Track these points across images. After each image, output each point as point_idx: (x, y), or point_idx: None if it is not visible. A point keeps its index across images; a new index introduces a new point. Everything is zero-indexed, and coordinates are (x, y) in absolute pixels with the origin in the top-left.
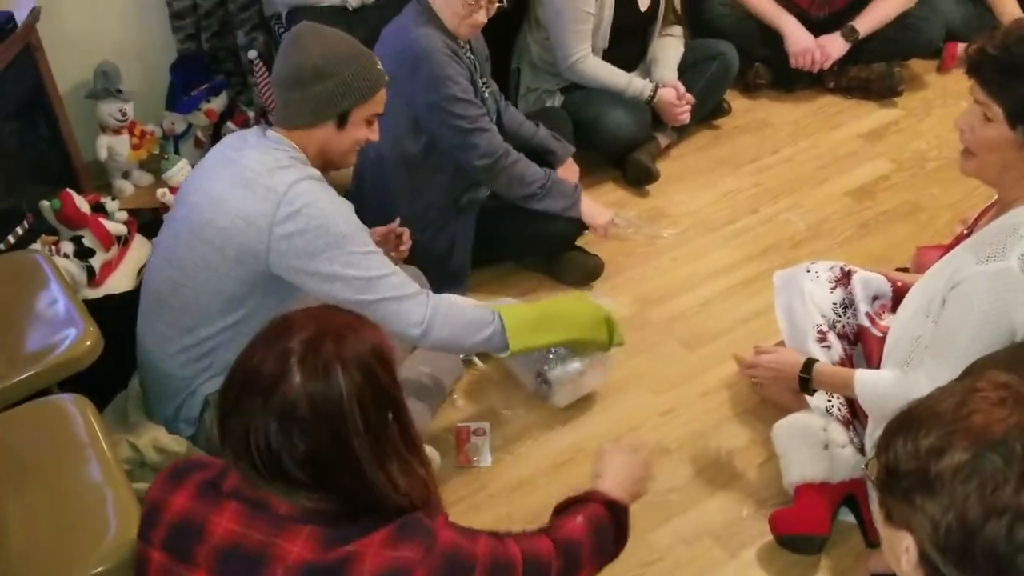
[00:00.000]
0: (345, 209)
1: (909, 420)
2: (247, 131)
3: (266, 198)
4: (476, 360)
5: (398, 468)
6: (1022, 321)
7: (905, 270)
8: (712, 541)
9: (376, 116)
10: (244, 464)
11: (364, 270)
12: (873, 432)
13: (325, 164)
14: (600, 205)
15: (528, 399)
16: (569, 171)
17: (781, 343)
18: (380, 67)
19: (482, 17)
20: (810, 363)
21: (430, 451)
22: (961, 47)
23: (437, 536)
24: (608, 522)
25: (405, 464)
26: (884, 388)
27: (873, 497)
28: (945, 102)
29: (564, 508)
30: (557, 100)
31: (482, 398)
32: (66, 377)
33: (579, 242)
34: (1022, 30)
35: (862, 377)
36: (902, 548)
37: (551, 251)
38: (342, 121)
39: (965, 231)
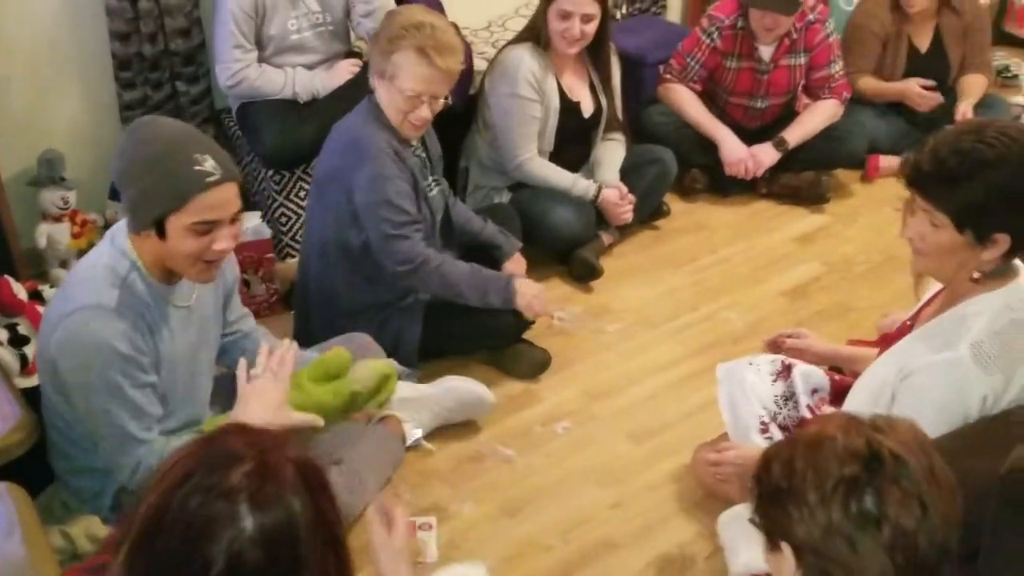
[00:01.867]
0: (105, 352)
1: (771, 448)
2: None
3: (48, 319)
4: (424, 443)
5: None
6: (976, 408)
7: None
8: None
9: (214, 224)
10: None
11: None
12: None
13: (173, 274)
14: (528, 281)
15: (476, 492)
16: (517, 265)
17: (724, 436)
18: (205, 168)
19: (425, 113)
20: None
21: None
22: (883, 159)
23: None
24: None
25: None
26: None
27: None
28: (870, 210)
29: None
30: (505, 197)
31: (428, 492)
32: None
33: (526, 335)
34: (951, 141)
35: None
36: (785, 570)
37: (498, 345)
38: (160, 231)
39: (908, 322)
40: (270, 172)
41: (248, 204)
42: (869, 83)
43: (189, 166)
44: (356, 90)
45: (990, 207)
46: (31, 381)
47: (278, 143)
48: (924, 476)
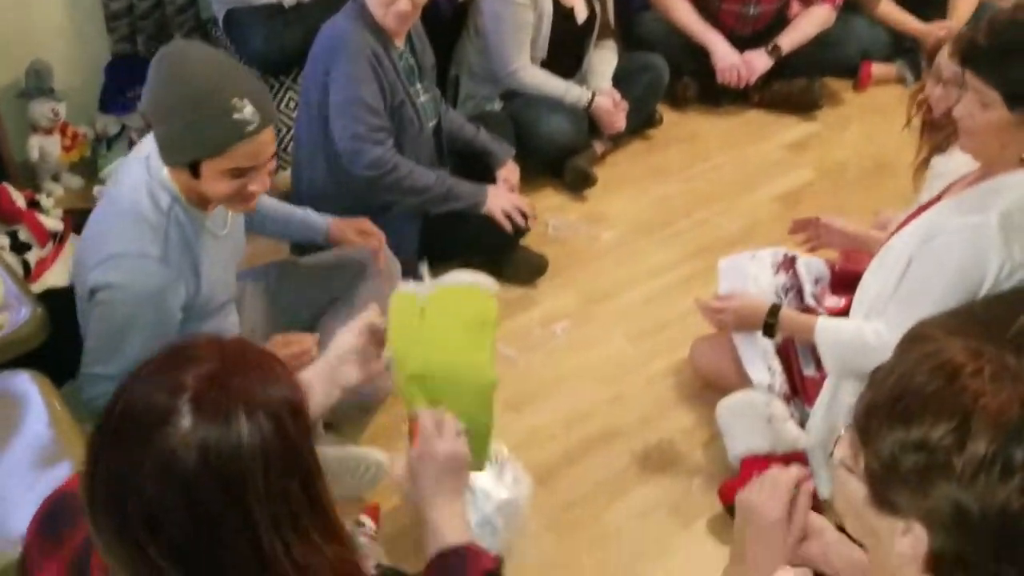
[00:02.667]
0: (136, 307)
1: (897, 408)
2: (148, 145)
3: (95, 250)
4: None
5: (302, 551)
6: (992, 274)
7: None
8: (665, 514)
9: (252, 170)
10: (108, 538)
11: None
12: (829, 401)
13: (208, 201)
14: (506, 193)
15: None
16: (510, 172)
17: (722, 331)
18: (244, 115)
19: (404, 5)
20: (776, 308)
21: (377, 455)
22: (876, 66)
23: None
24: None
25: (311, 546)
26: (844, 335)
27: (815, 469)
28: (862, 117)
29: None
30: (497, 105)
31: None
32: (12, 358)
33: (523, 242)
34: (1010, 16)
35: (823, 324)
36: (897, 535)
37: (496, 252)
38: (194, 171)
39: (938, 196)
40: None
41: None
42: (890, 11)
43: (228, 115)
44: None
45: None
46: (35, 289)
47: (266, 48)
48: None
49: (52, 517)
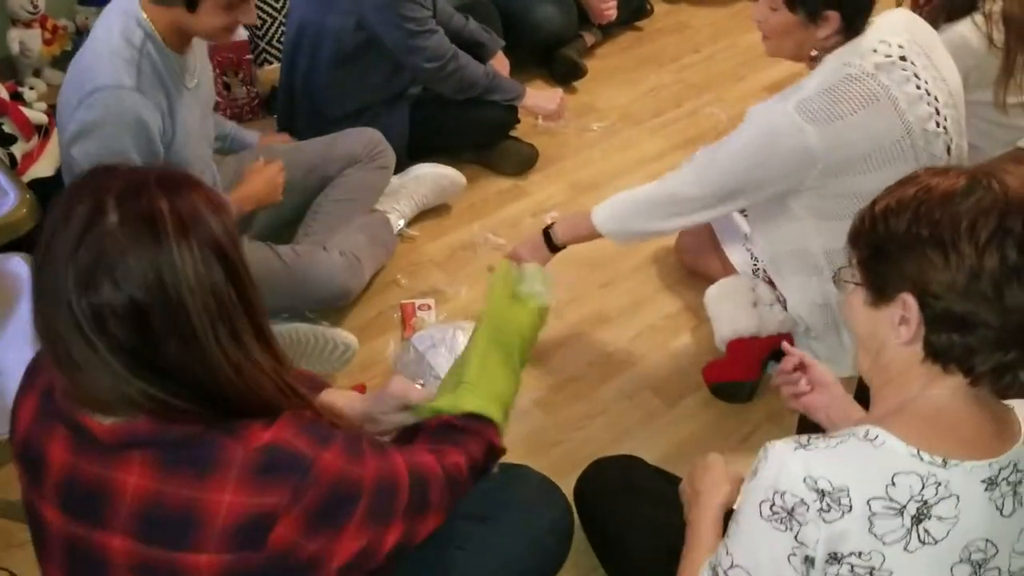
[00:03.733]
0: (125, 136)
1: (891, 203)
2: None
3: (65, 101)
4: (408, 231)
5: (254, 349)
6: (792, 161)
7: None
8: (652, 393)
9: (244, 1)
10: (59, 354)
11: None
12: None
13: (185, 43)
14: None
15: (470, 277)
16: (500, 63)
17: None
18: None
19: None
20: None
21: (348, 336)
22: None
23: (313, 465)
24: (482, 463)
25: (257, 347)
26: (644, 194)
27: (800, 345)
28: None
29: (441, 431)
30: None
31: (425, 278)
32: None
33: (513, 134)
34: None
35: (601, 207)
36: (894, 322)
37: (486, 141)
38: (191, 5)
39: None
40: None
41: None
42: None
43: None
44: None
45: None
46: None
47: None
48: None
49: (30, 370)
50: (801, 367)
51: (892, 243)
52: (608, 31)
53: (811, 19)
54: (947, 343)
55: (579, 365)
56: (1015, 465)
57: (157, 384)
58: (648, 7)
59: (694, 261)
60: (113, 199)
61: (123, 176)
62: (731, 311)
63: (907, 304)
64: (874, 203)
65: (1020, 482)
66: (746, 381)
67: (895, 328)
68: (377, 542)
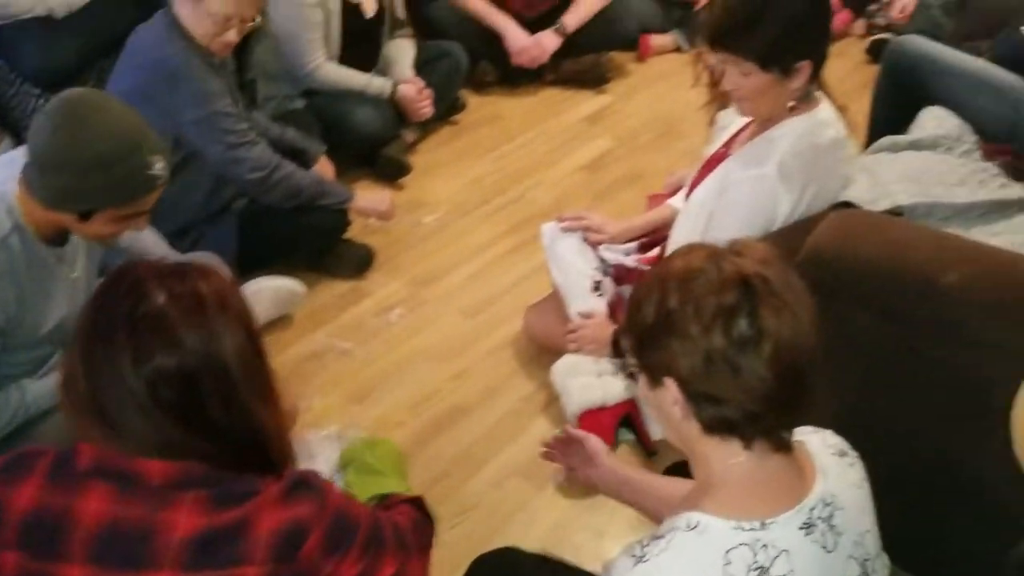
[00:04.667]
0: None
1: (641, 290)
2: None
3: None
4: None
5: (274, 407)
6: (783, 215)
7: None
8: (521, 479)
9: (136, 215)
10: (109, 420)
11: None
12: None
13: (63, 237)
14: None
15: (322, 387)
16: (324, 168)
17: (551, 296)
18: (155, 171)
19: (233, 36)
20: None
21: (293, 282)
22: (654, 38)
23: (327, 494)
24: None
25: (275, 405)
26: None
27: (646, 413)
28: (647, 86)
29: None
30: (299, 103)
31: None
32: None
33: (346, 235)
34: None
35: None
36: (670, 403)
37: (320, 247)
38: (84, 216)
39: (723, 150)
40: (40, 100)
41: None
42: None
43: (143, 170)
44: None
45: (786, 39)
46: None
47: (42, 64)
48: (786, 287)
49: (6, 467)
50: (571, 442)
51: (645, 332)
52: (426, 127)
53: (784, 74)
54: (711, 417)
55: (443, 464)
56: (822, 500)
57: (201, 436)
58: (461, 101)
59: (544, 336)
60: (155, 282)
61: (156, 266)
62: (578, 384)
63: (670, 387)
64: (633, 291)
65: (831, 515)
66: None
67: (673, 408)
68: (371, 571)
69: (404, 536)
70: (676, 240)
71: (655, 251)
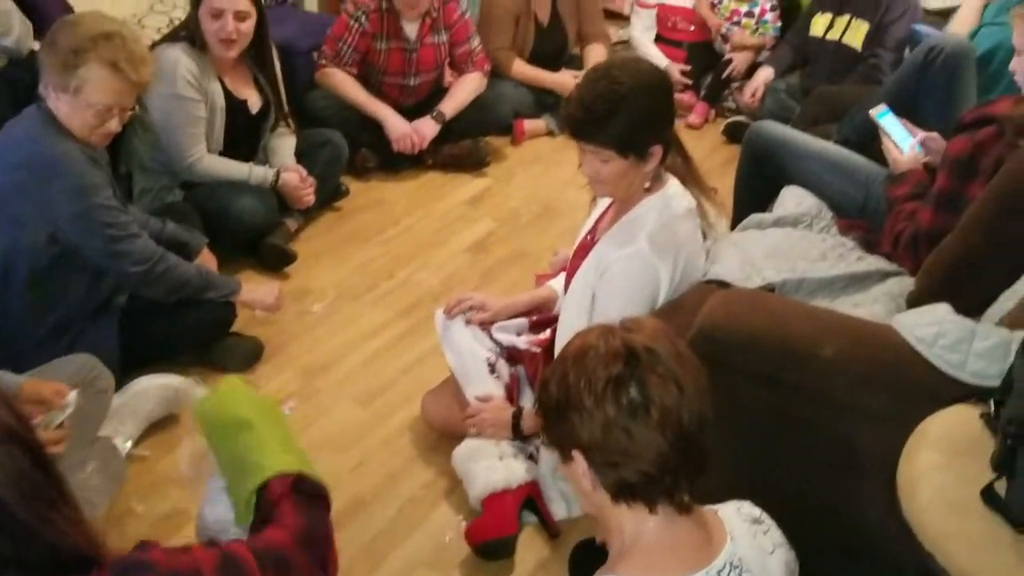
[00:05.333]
0: None
1: (548, 369)
2: None
3: None
4: (137, 451)
5: (66, 511)
6: (665, 286)
7: None
8: (426, 569)
9: None
10: None
11: None
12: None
13: None
14: (261, 285)
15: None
16: (207, 260)
17: (447, 380)
18: None
19: (115, 126)
20: (519, 411)
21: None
22: (527, 122)
23: (159, 565)
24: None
25: (67, 508)
26: None
27: (548, 495)
28: (524, 168)
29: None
30: (178, 195)
31: (163, 499)
32: None
33: (233, 329)
34: (590, 89)
35: None
36: (580, 474)
37: (206, 341)
38: None
39: (589, 237)
40: None
41: None
42: (523, 70)
43: None
44: None
45: (640, 129)
46: None
47: None
48: (674, 359)
49: None
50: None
51: (551, 410)
52: (309, 214)
53: (640, 158)
54: (613, 482)
55: (344, 560)
56: (730, 563)
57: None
58: (343, 188)
59: (443, 422)
60: None
61: None
62: (480, 469)
63: (578, 459)
64: (542, 373)
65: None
66: (506, 536)
67: (583, 479)
68: None
69: (288, 559)
70: (564, 325)
71: (546, 333)
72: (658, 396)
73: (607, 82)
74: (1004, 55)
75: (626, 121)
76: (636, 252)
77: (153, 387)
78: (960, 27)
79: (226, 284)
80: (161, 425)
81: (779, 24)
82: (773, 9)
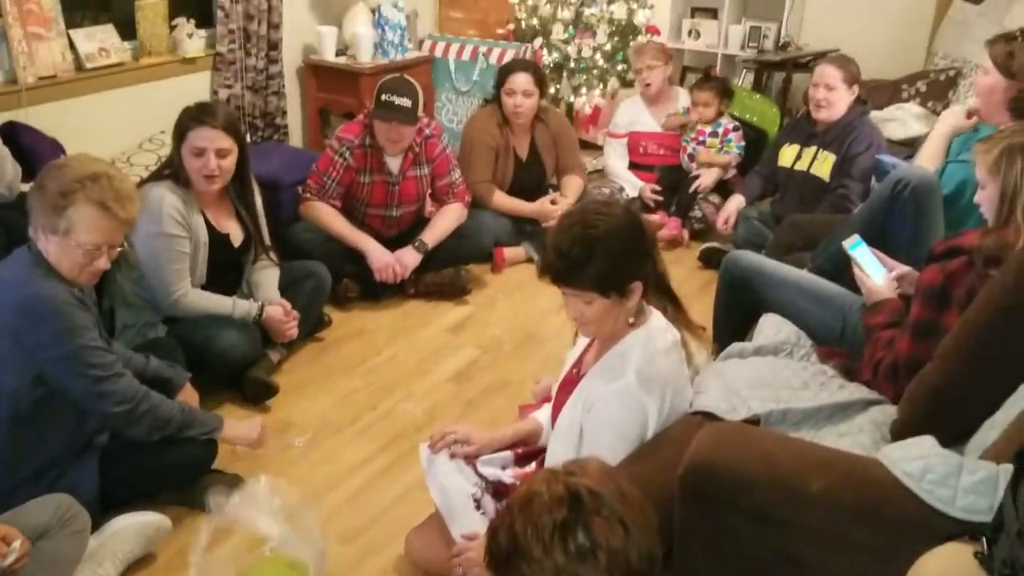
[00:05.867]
0: None
1: (497, 518)
2: None
3: None
4: None
5: None
6: (653, 419)
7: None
8: None
9: None
10: None
11: None
12: None
13: None
14: (244, 421)
15: None
16: (189, 396)
17: (433, 516)
18: None
19: (104, 263)
20: None
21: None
22: (507, 250)
23: None
24: None
25: None
26: None
27: None
28: (505, 295)
29: None
30: (161, 331)
31: None
32: None
33: (214, 466)
34: (565, 234)
35: None
36: None
37: (187, 480)
38: None
39: (575, 370)
40: None
41: None
42: (503, 201)
43: None
44: None
45: (618, 268)
46: None
47: None
48: (618, 500)
49: None
50: None
51: (500, 560)
52: (291, 346)
53: (621, 296)
54: None
55: None
56: None
57: None
58: (326, 319)
59: (427, 561)
60: None
61: None
62: None
63: None
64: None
65: None
66: None
67: None
68: None
69: None
70: (552, 459)
71: (532, 466)
72: (604, 539)
73: (581, 226)
74: (972, 190)
75: (604, 262)
76: (624, 387)
77: (131, 526)
78: (927, 161)
79: (209, 421)
80: (138, 564)
81: (743, 143)
82: (736, 129)
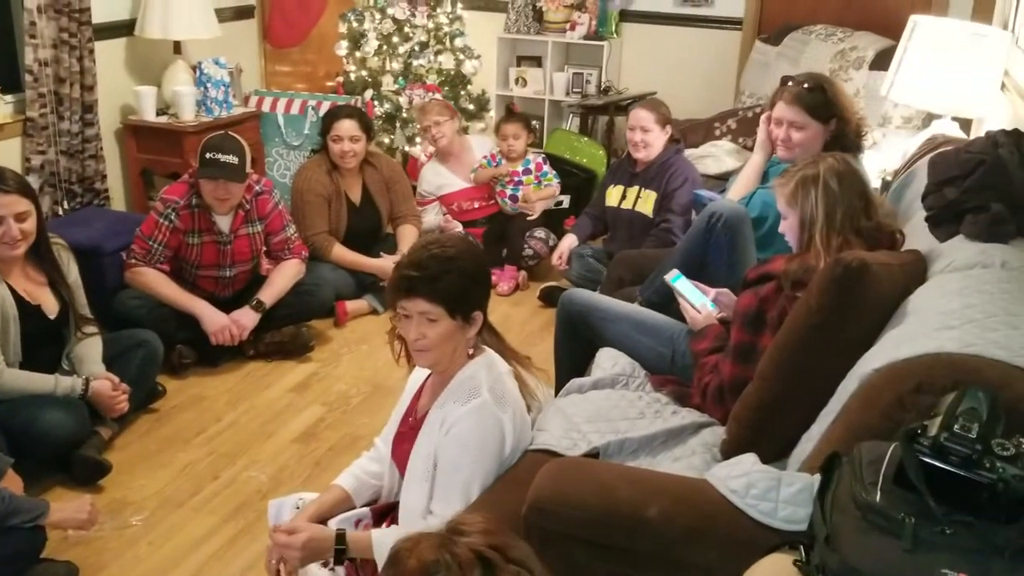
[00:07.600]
0: None
1: None
2: None
3: None
4: None
5: None
6: (510, 434)
7: None
8: None
9: None
10: None
11: None
12: None
13: None
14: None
15: None
16: (12, 483)
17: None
18: None
19: None
20: (342, 533)
21: None
22: (349, 304)
23: None
24: None
25: None
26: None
27: None
28: (350, 349)
29: None
30: None
31: None
32: None
33: (43, 555)
34: (422, 252)
35: (378, 536)
36: None
37: (15, 573)
38: None
39: (411, 419)
40: None
41: None
42: (343, 255)
43: None
44: None
45: (469, 289)
46: None
47: None
48: (515, 549)
49: None
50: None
51: None
52: (123, 420)
53: (466, 321)
54: None
55: None
56: None
57: None
58: (160, 388)
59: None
60: None
61: None
62: None
63: None
64: None
65: None
66: None
67: None
68: None
69: None
70: (408, 508)
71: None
72: None
73: (437, 246)
74: (776, 215)
75: (457, 279)
76: (481, 404)
77: None
78: (736, 192)
79: (33, 507)
80: None
81: (555, 171)
82: (545, 161)
